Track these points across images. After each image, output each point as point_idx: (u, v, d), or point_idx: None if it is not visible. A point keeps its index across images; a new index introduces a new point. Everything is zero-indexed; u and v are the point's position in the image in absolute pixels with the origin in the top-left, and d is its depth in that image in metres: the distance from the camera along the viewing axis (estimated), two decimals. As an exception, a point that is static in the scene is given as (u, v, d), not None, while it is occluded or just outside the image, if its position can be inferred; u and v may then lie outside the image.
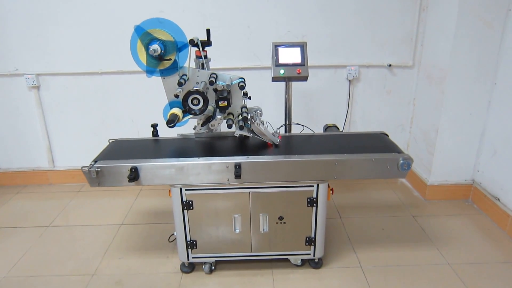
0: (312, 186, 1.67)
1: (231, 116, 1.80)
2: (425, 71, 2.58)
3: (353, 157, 1.61)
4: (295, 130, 2.22)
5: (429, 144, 2.55)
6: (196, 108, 1.57)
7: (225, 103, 1.69)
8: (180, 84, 1.62)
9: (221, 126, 1.89)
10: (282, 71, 1.89)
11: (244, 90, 1.82)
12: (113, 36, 2.57)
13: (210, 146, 1.79)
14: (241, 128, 1.69)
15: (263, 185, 1.67)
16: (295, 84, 2.52)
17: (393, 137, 2.88)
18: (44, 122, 2.80)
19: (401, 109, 2.80)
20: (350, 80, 2.68)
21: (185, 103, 1.54)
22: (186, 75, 1.72)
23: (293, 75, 1.89)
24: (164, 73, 1.75)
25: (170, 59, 1.66)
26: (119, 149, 1.78)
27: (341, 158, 1.60)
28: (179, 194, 1.67)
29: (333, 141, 1.82)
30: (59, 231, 2.29)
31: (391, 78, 2.71)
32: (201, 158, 1.61)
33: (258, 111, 1.87)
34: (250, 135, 1.74)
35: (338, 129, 2.12)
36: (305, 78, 1.92)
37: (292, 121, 2.12)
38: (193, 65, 1.81)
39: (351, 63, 2.65)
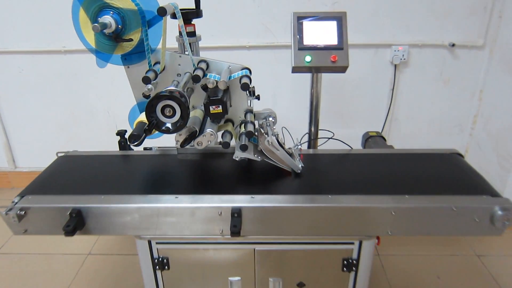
0: (352, 243, 1.12)
1: (229, 127, 1.23)
2: (501, 54, 1.93)
3: (420, 203, 1.04)
4: (321, 135, 1.65)
5: (502, 155, 1.94)
6: (168, 122, 1.00)
7: (220, 109, 1.13)
8: (146, 81, 1.05)
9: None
10: (308, 58, 1.29)
11: (251, 87, 1.24)
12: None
13: (197, 172, 1.24)
14: (243, 148, 1.13)
15: (276, 239, 1.13)
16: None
17: (447, 141, 2.28)
18: (-3, 113, 2.29)
19: (461, 103, 2.18)
20: (396, 65, 2.06)
21: (150, 114, 0.98)
22: (159, 64, 1.15)
23: (325, 65, 1.29)
24: (127, 60, 1.19)
25: (131, 40, 1.08)
26: (63, 173, 1.25)
27: (401, 205, 1.04)
28: (147, 249, 1.14)
29: (382, 166, 1.25)
30: (9, 260, 1.82)
31: (452, 63, 2.07)
32: (181, 198, 1.07)
33: (270, 118, 1.30)
34: (259, 158, 1.18)
35: (384, 140, 1.53)
36: (343, 69, 1.32)
37: (319, 127, 1.54)
38: (174, 45, 1.23)
39: (398, 42, 2.02)
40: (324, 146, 1.59)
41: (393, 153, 1.34)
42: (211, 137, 1.13)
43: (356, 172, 1.21)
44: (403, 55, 2.02)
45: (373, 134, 1.52)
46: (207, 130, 1.13)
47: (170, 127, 0.99)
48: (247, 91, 1.22)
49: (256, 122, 1.31)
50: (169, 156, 1.34)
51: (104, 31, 1.04)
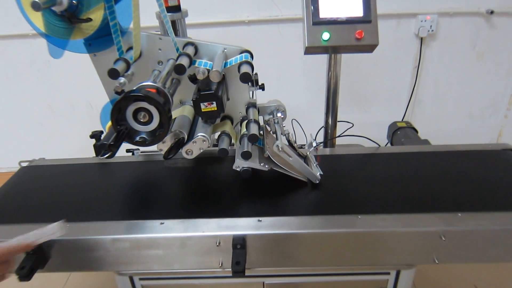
0: (387, 273, 0.90)
1: (226, 127, 0.99)
2: (550, 21, 1.65)
3: (479, 224, 0.81)
4: (339, 128, 1.40)
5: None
6: (144, 130, 0.76)
7: (213, 106, 0.88)
8: (113, 74, 0.80)
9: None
10: (326, 36, 1.02)
11: (253, 76, 1.00)
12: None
13: (188, 186, 1.01)
14: (246, 156, 0.89)
15: (290, 271, 0.91)
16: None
17: (478, 124, 2.03)
18: (-35, 108, 2.05)
19: (495, 81, 1.91)
20: (422, 38, 1.78)
21: (117, 121, 0.73)
22: (132, 49, 0.90)
23: (347, 43, 1.03)
24: (93, 46, 0.94)
25: (90, 19, 0.83)
26: (21, 193, 1.02)
27: (453, 227, 0.81)
28: (129, 286, 0.93)
29: (421, 171, 1.01)
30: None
31: (488, 34, 1.79)
32: (168, 224, 0.85)
33: (278, 113, 1.06)
34: (266, 168, 0.94)
35: (416, 131, 1.28)
36: (370, 48, 1.06)
37: (337, 118, 1.29)
38: (155, 23, 0.98)
39: (425, 10, 1.73)
40: (343, 140, 1.36)
41: (432, 151, 1.10)
42: (203, 144, 0.89)
43: (389, 181, 0.97)
44: (430, 26, 1.74)
45: (402, 125, 1.27)
46: (199, 134, 0.89)
47: (146, 138, 0.75)
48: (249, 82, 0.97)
49: (261, 118, 1.07)
50: (154, 163, 1.11)
51: (53, 9, 0.79)
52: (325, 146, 1.31)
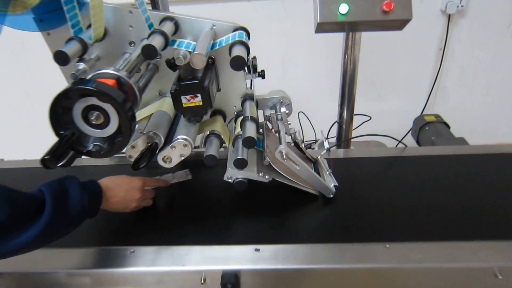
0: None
1: (216, 125, 0.80)
2: None
3: (548, 258, 0.62)
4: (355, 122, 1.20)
5: None
6: (98, 135, 0.56)
7: (198, 100, 0.69)
8: (61, 59, 0.60)
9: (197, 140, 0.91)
10: (344, 8, 0.80)
11: (249, 61, 0.80)
12: None
13: (165, 201, 0.83)
14: (240, 165, 0.70)
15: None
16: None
17: (508, 114, 1.81)
18: None
19: (532, 66, 1.68)
20: (449, 15, 1.55)
21: (60, 124, 0.54)
22: (92, 27, 0.70)
23: (371, 18, 0.81)
24: (45, 22, 0.74)
25: (30, -14, 0.63)
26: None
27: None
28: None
29: (461, 180, 0.82)
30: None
31: (526, 9, 1.56)
32: (139, 253, 0.67)
33: (282, 107, 0.86)
34: (266, 178, 0.75)
35: (448, 126, 1.08)
36: (400, 25, 0.85)
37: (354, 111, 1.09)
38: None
39: (454, -19, 1.50)
40: (360, 136, 1.16)
41: (473, 153, 0.90)
42: (184, 149, 0.70)
43: (424, 194, 0.78)
44: (460, 1, 1.51)
45: (431, 120, 1.07)
46: (178, 137, 0.70)
47: (102, 146, 0.56)
48: (245, 68, 0.77)
49: (260, 113, 0.87)
50: (126, 168, 0.92)
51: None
52: (338, 142, 1.11)
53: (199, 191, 0.82)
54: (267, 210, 0.76)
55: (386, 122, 1.58)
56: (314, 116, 1.30)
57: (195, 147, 0.96)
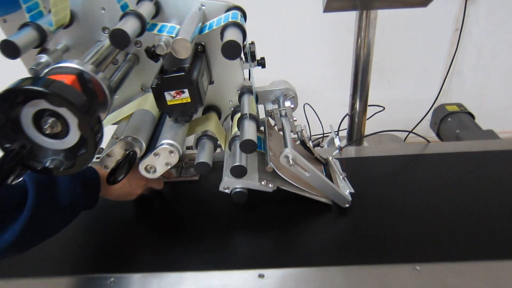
0: None
1: (210, 125, 0.68)
2: None
3: None
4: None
5: None
6: (54, 147, 0.44)
7: (185, 97, 0.58)
8: (9, 50, 0.48)
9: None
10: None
11: (246, 47, 0.69)
12: None
13: (152, 216, 0.72)
14: (238, 173, 0.59)
15: None
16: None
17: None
18: None
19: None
20: (467, -5, 1.42)
21: (6, 137, 0.42)
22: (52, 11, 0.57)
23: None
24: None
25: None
26: None
27: None
28: None
29: (498, 181, 0.70)
30: None
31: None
32: (123, 281, 0.56)
33: (286, 101, 0.74)
34: (270, 187, 0.63)
35: (473, 117, 0.96)
36: (423, 1, 0.72)
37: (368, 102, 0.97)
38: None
39: (474, -47, 1.37)
40: (369, 126, 1.04)
41: (506, 149, 0.78)
42: (171, 157, 0.58)
43: (455, 200, 0.66)
44: (479, -25, 1.37)
45: (453, 110, 0.95)
46: (163, 143, 0.58)
47: (62, 161, 0.44)
48: (241, 56, 0.66)
49: (261, 107, 0.75)
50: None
51: None
52: (350, 140, 0.99)
53: (191, 202, 0.71)
54: (271, 225, 0.65)
55: (397, 111, 1.46)
56: (321, 107, 1.18)
57: (188, 148, 0.85)
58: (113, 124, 0.70)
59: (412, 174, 0.74)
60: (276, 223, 0.65)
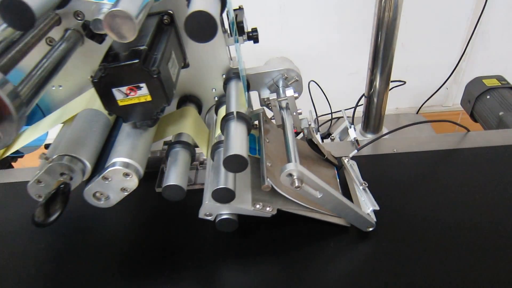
0: None
1: (185, 127, 0.51)
2: None
3: None
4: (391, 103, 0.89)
5: None
6: None
7: (145, 95, 0.40)
8: None
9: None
10: None
11: (231, 12, 0.49)
12: None
13: (121, 248, 0.56)
14: (223, 198, 0.43)
15: None
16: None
17: None
18: None
19: None
20: None
21: None
22: None
23: None
24: None
25: None
26: None
27: None
28: None
29: None
30: None
31: None
32: None
33: (287, 88, 0.56)
34: (268, 211, 0.47)
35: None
36: None
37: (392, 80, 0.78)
38: None
39: None
40: (409, 125, 0.87)
41: None
42: (126, 181, 0.42)
43: (513, 217, 0.50)
44: None
45: (493, 84, 0.77)
46: (115, 161, 0.41)
47: None
48: (225, 27, 0.48)
49: (255, 96, 0.58)
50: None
51: None
52: (366, 127, 0.81)
53: (168, 223, 0.55)
54: (271, 255, 0.49)
55: (413, 78, 1.28)
56: (325, 77, 1.00)
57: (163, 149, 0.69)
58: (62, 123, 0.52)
59: (451, 176, 0.58)
60: (276, 252, 0.49)
